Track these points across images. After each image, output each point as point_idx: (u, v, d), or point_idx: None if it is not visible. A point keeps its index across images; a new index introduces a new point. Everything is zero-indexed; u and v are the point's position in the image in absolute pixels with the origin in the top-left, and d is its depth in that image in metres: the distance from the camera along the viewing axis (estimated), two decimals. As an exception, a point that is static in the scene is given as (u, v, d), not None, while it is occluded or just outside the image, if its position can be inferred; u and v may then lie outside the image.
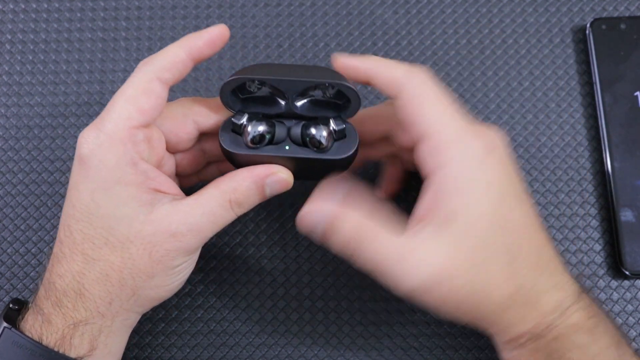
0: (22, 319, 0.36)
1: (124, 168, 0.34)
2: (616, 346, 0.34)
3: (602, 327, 0.34)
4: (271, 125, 0.36)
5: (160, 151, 0.36)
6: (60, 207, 0.45)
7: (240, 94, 0.37)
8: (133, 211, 0.34)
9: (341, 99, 0.37)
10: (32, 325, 0.35)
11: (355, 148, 0.36)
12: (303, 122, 0.37)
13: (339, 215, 0.35)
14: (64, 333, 0.34)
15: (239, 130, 0.36)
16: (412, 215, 0.34)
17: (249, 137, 0.36)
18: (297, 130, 0.36)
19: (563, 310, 0.33)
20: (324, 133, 0.36)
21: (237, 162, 0.37)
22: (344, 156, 0.36)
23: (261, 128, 0.36)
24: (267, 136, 0.36)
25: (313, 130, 0.36)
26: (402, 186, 0.44)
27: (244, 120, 0.36)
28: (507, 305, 0.33)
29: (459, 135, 0.33)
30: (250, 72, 0.36)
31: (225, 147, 0.36)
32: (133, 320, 0.37)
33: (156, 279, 0.35)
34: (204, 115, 0.38)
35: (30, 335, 0.34)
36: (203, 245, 0.36)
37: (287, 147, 0.36)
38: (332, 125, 0.36)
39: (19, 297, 0.44)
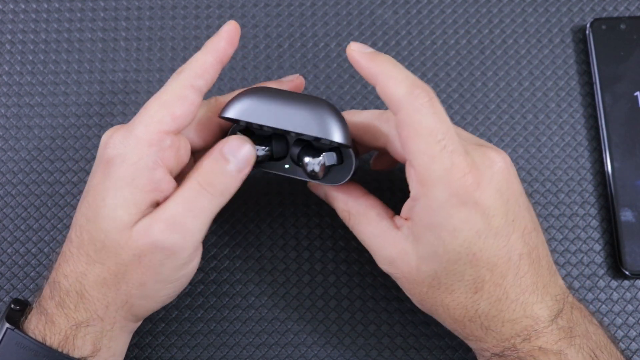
0: (26, 319, 0.36)
1: (142, 170, 0.34)
2: None
3: (576, 345, 0.34)
4: (272, 143, 0.37)
5: (184, 159, 0.37)
6: (61, 207, 0.45)
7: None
8: (129, 217, 0.34)
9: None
10: (36, 325, 0.35)
11: (349, 176, 0.37)
12: (302, 146, 0.38)
13: (334, 193, 0.38)
14: (67, 334, 0.34)
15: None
16: (402, 209, 0.36)
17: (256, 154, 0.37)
18: (294, 153, 0.38)
19: (526, 337, 0.34)
20: (317, 167, 0.37)
21: None
22: (337, 184, 0.37)
23: (260, 152, 0.37)
24: (268, 155, 0.37)
25: (307, 160, 0.37)
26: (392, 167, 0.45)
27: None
28: (466, 324, 0.35)
29: (439, 177, 0.32)
30: (253, 110, 0.36)
31: None
32: (131, 328, 0.37)
33: (147, 287, 0.35)
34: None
35: (33, 336, 0.34)
36: (196, 250, 0.36)
37: (286, 166, 0.38)
38: (325, 160, 0.37)
39: (19, 297, 0.44)
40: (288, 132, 0.36)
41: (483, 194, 0.33)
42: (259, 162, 0.37)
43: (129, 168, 0.34)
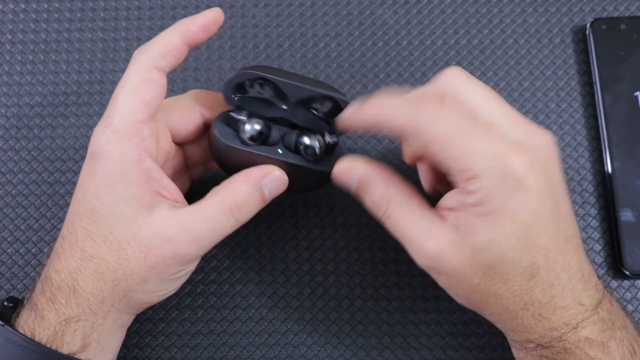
0: (17, 315, 0.35)
1: (129, 165, 0.34)
2: (631, 356, 0.34)
3: (617, 338, 0.34)
4: (268, 126, 0.37)
5: (166, 145, 0.36)
6: (61, 207, 0.45)
7: (240, 92, 0.37)
8: (132, 212, 0.34)
9: (336, 115, 0.37)
10: (26, 321, 0.35)
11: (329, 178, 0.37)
12: (297, 130, 0.37)
13: (373, 177, 0.35)
14: (56, 329, 0.34)
15: (234, 126, 0.36)
16: (442, 200, 0.35)
17: (247, 133, 0.36)
18: (291, 137, 0.37)
19: (574, 325, 0.33)
20: (318, 143, 0.37)
21: (226, 159, 0.37)
22: (331, 169, 0.36)
23: (259, 126, 0.36)
24: (263, 135, 0.36)
25: (307, 140, 0.37)
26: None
27: (243, 115, 0.36)
28: (518, 314, 0.34)
29: (486, 162, 0.32)
30: (261, 70, 0.36)
31: (221, 139, 0.36)
32: (125, 320, 0.37)
33: (149, 284, 0.35)
34: (210, 106, 0.38)
35: (23, 332, 0.34)
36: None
37: (279, 151, 0.36)
38: (327, 137, 0.37)
39: (21, 297, 0.44)
40: (300, 91, 0.36)
41: (532, 175, 0.32)
42: (253, 140, 0.36)
43: (116, 164, 0.34)
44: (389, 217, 0.35)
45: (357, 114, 0.35)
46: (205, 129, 0.39)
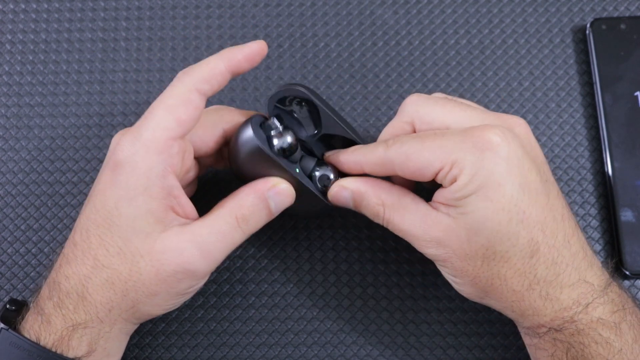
0: (22, 319, 0.36)
1: (153, 179, 0.34)
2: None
3: (627, 321, 0.34)
4: (297, 143, 0.38)
5: (188, 162, 0.37)
6: (61, 207, 0.45)
7: (279, 104, 0.39)
8: (149, 226, 0.34)
9: None
10: (32, 325, 0.35)
11: (333, 207, 0.39)
12: (317, 159, 0.39)
13: (363, 190, 0.37)
14: (63, 334, 0.34)
15: (266, 132, 0.37)
16: (435, 195, 0.36)
17: (279, 144, 0.37)
18: (309, 163, 0.38)
19: (585, 306, 0.34)
20: (332, 177, 0.38)
21: (249, 162, 0.37)
22: (327, 206, 0.38)
23: (292, 140, 0.37)
24: (291, 150, 0.37)
25: (324, 171, 0.38)
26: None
27: (279, 126, 0.38)
28: (525, 295, 0.34)
29: (465, 141, 0.34)
30: (311, 93, 0.38)
31: (257, 140, 0.36)
32: (130, 329, 0.38)
33: (158, 297, 0.35)
34: (231, 123, 0.39)
35: (28, 336, 0.34)
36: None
37: (297, 170, 0.38)
38: (337, 175, 0.39)
39: (19, 297, 0.44)
40: (335, 127, 0.38)
41: (512, 149, 0.33)
42: (282, 151, 0.37)
43: (140, 177, 0.34)
44: (389, 221, 0.37)
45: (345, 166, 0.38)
46: (225, 143, 0.39)
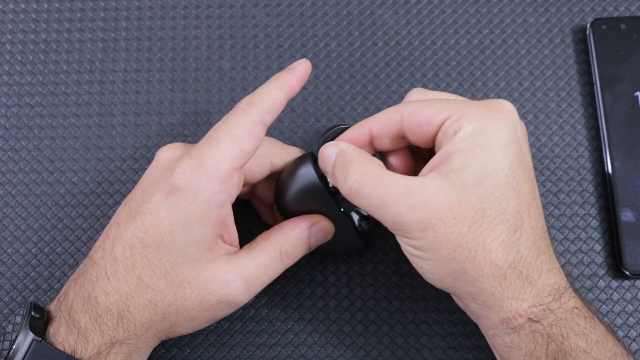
0: (52, 329, 0.35)
1: (212, 208, 0.34)
2: (610, 335, 0.34)
3: (596, 315, 0.35)
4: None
5: (239, 191, 0.37)
6: (61, 207, 0.45)
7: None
8: (199, 253, 0.35)
9: None
10: (65, 338, 0.34)
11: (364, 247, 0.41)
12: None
13: (350, 150, 0.36)
14: (100, 350, 0.34)
15: (319, 171, 0.38)
16: (424, 168, 0.35)
17: (332, 183, 0.38)
18: (349, 205, 0.38)
19: (560, 294, 0.34)
20: (372, 219, 0.40)
21: (300, 198, 0.38)
22: (361, 244, 0.40)
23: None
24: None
25: (364, 211, 0.40)
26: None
27: None
28: (507, 273, 0.33)
29: (476, 105, 0.34)
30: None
31: (318, 177, 0.37)
32: (157, 343, 0.38)
33: (195, 322, 0.36)
34: (280, 158, 0.39)
35: (62, 349, 0.34)
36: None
37: (342, 210, 0.39)
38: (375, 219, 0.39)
39: (19, 297, 0.43)
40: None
41: (519, 124, 0.35)
42: (334, 188, 0.38)
43: (201, 205, 0.34)
44: (366, 185, 0.34)
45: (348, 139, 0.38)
46: (270, 178, 0.40)
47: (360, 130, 0.37)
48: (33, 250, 0.45)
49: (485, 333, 0.37)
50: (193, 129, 0.47)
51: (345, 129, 0.38)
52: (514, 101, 0.47)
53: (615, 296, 0.43)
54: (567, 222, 0.45)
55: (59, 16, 0.49)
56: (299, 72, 0.37)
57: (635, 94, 0.46)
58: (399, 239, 0.35)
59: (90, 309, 0.35)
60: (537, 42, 0.48)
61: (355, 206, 0.38)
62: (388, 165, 0.38)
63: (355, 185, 0.34)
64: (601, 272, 0.44)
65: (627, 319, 0.43)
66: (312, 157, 0.39)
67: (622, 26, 0.47)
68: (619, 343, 0.34)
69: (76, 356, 0.34)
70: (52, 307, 0.36)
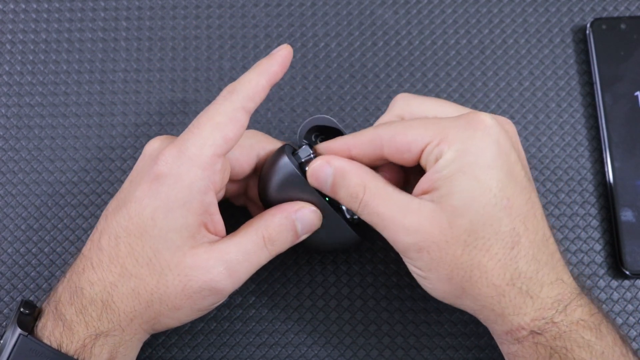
0: (40, 324, 0.35)
1: (195, 194, 0.34)
2: (620, 344, 0.34)
3: (605, 324, 0.34)
4: None
5: (225, 181, 0.37)
6: (61, 207, 0.45)
7: (308, 133, 0.40)
8: (181, 240, 0.35)
9: None
10: (52, 332, 0.34)
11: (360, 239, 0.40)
12: None
13: (347, 168, 0.36)
14: (85, 342, 0.34)
15: (300, 160, 0.38)
16: (415, 188, 0.35)
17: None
18: None
19: (564, 307, 0.33)
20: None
21: (280, 187, 0.38)
22: (354, 236, 0.39)
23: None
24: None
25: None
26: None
27: (310, 154, 0.38)
28: (505, 290, 0.33)
29: (458, 124, 0.34)
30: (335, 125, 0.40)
31: (293, 165, 0.37)
32: (145, 337, 0.38)
33: (180, 312, 0.36)
34: (266, 150, 0.39)
35: (49, 343, 0.34)
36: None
37: (327, 199, 0.38)
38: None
39: (19, 297, 0.44)
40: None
41: (502, 136, 0.34)
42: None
43: (182, 191, 0.34)
44: (367, 204, 0.35)
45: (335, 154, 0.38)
46: (256, 170, 0.40)
47: (339, 149, 0.37)
48: (33, 250, 0.45)
49: (495, 338, 0.37)
50: (193, 129, 0.47)
51: (322, 118, 0.39)
52: (513, 101, 0.47)
53: (615, 296, 0.44)
54: (567, 222, 0.45)
55: (59, 16, 0.49)
56: (279, 57, 0.37)
57: (635, 93, 0.46)
58: (402, 256, 0.36)
59: (76, 301, 0.35)
60: (537, 42, 0.48)
61: None
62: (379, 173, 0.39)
63: (361, 206, 0.36)
64: (601, 272, 0.44)
65: (627, 318, 0.43)
66: (287, 149, 0.38)
67: (622, 26, 0.47)
68: (628, 353, 0.34)
69: (62, 350, 0.34)
70: (44, 303, 0.37)
